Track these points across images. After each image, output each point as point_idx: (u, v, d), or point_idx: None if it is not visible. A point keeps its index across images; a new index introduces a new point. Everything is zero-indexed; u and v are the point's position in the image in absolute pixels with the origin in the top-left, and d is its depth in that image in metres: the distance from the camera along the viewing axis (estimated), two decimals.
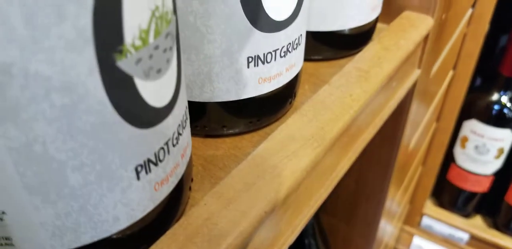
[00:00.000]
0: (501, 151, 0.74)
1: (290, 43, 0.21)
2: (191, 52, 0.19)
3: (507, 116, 0.72)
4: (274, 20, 0.19)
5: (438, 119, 0.72)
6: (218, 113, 0.21)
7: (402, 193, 0.69)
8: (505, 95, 0.71)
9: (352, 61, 0.27)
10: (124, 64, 0.12)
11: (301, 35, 0.22)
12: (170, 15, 0.14)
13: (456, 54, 0.65)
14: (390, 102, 0.31)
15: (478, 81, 0.85)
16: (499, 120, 0.72)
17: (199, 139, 0.21)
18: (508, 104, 0.71)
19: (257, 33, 0.19)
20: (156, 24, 0.13)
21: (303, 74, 0.28)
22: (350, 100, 0.23)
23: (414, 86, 0.37)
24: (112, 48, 0.11)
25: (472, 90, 0.75)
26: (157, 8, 0.12)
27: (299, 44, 0.22)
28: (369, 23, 0.29)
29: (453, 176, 0.80)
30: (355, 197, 0.46)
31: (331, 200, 0.49)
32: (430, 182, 0.79)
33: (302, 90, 0.26)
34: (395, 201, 0.70)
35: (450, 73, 0.67)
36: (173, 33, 0.14)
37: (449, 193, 0.83)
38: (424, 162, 0.77)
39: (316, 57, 0.29)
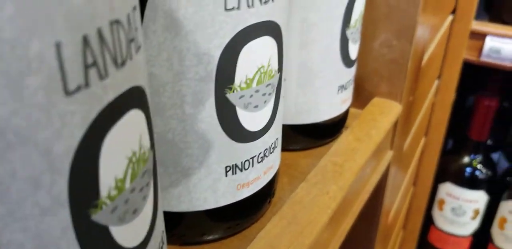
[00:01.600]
0: (476, 212, 0.74)
1: (266, 149, 0.21)
2: (169, 166, 0.19)
3: (479, 178, 0.72)
4: (250, 131, 0.20)
5: (414, 183, 0.72)
6: (196, 221, 0.20)
7: None
8: (476, 158, 0.73)
9: (328, 154, 0.27)
10: (99, 216, 0.11)
11: (277, 138, 0.22)
12: (148, 153, 0.14)
13: (427, 122, 0.67)
14: (365, 188, 0.31)
15: (450, 144, 0.87)
16: (472, 182, 0.72)
17: (176, 247, 0.21)
18: (479, 167, 0.73)
19: (234, 144, 0.19)
20: (133, 169, 0.12)
21: (281, 166, 0.28)
22: (327, 199, 0.23)
23: (388, 166, 0.37)
24: (87, 205, 0.11)
25: (445, 153, 0.76)
26: (134, 154, 0.12)
27: (276, 147, 0.22)
28: (341, 114, 0.30)
29: (433, 238, 0.79)
30: None
31: None
32: (412, 245, 0.77)
33: (280, 184, 0.26)
34: None
35: (423, 140, 0.68)
36: (150, 168, 0.14)
37: None
38: (404, 226, 0.76)
39: (293, 147, 0.30)
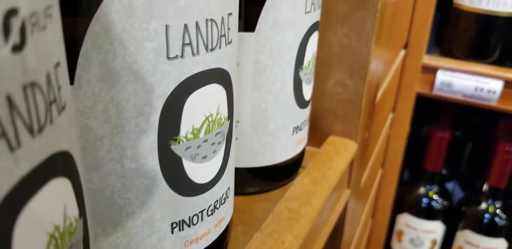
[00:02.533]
0: (434, 242, 0.74)
1: (217, 200, 0.20)
2: (108, 225, 0.17)
3: (435, 208, 0.73)
4: (199, 184, 0.18)
5: (373, 215, 0.72)
6: None
7: None
8: (432, 189, 0.73)
9: (283, 199, 0.26)
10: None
11: (229, 188, 0.21)
12: (75, 223, 0.12)
13: (383, 154, 0.67)
14: (323, 230, 0.30)
15: (407, 175, 0.87)
16: (429, 212, 0.73)
17: None
18: (435, 197, 0.73)
19: (180, 199, 0.18)
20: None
21: (235, 212, 0.27)
22: None
23: (346, 204, 0.36)
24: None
25: (402, 184, 0.77)
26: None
27: (228, 197, 0.21)
28: (297, 155, 0.29)
29: None
30: None
31: None
32: None
33: (234, 233, 0.25)
34: None
35: (380, 172, 0.68)
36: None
37: None
38: None
39: (249, 191, 0.28)
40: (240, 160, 0.27)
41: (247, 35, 0.24)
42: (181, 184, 0.17)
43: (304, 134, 0.29)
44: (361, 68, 0.32)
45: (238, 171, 0.27)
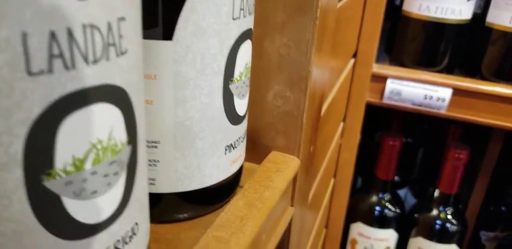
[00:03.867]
0: None
1: (119, 240, 0.16)
2: None
3: (388, 216, 0.71)
4: (88, 224, 0.15)
5: (326, 225, 0.70)
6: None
7: None
8: (384, 197, 0.72)
9: (212, 228, 0.22)
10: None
11: (136, 224, 0.17)
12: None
13: (335, 163, 0.65)
14: None
15: (360, 184, 0.86)
16: (382, 221, 0.71)
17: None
18: (388, 205, 0.72)
19: (63, 243, 0.14)
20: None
21: (160, 244, 0.23)
22: None
23: (290, 223, 0.33)
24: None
25: (355, 193, 0.75)
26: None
27: (135, 234, 0.17)
28: (232, 175, 0.26)
29: None
30: None
31: None
32: None
33: None
34: None
35: (332, 181, 0.66)
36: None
37: None
38: None
39: (178, 218, 0.25)
40: (164, 184, 0.23)
41: (164, 43, 0.20)
42: (63, 226, 0.14)
43: (239, 152, 0.26)
44: (301, 79, 0.29)
45: (165, 197, 0.23)
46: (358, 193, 0.74)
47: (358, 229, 0.72)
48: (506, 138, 0.85)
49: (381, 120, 0.80)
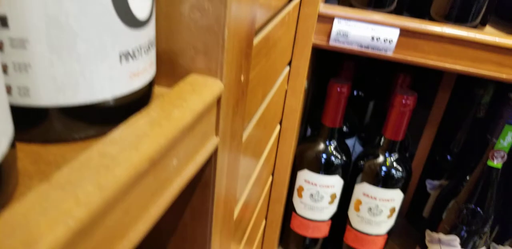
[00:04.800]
0: (334, 196, 0.72)
1: None
2: None
3: (334, 163, 0.70)
4: None
5: (273, 173, 0.68)
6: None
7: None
8: (331, 145, 0.70)
9: (98, 143, 0.19)
10: None
11: None
12: None
13: (281, 109, 0.62)
14: (173, 182, 0.24)
15: (309, 132, 0.84)
16: (328, 168, 0.70)
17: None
18: (335, 152, 0.71)
19: None
20: None
21: (40, 162, 0.20)
22: (72, 205, 0.15)
23: (214, 156, 0.30)
24: None
25: (303, 141, 0.73)
26: None
27: None
28: (133, 93, 0.22)
29: (295, 225, 0.76)
30: None
31: None
32: (275, 234, 0.73)
33: (24, 188, 0.18)
34: None
35: (278, 128, 0.64)
36: None
37: (294, 243, 0.78)
38: (266, 215, 0.72)
39: (66, 137, 0.21)
40: (42, 95, 0.19)
41: None
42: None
43: (142, 65, 0.22)
44: None
45: (45, 111, 0.19)
46: (306, 141, 0.72)
47: (305, 176, 0.70)
48: (455, 87, 0.85)
49: (334, 68, 0.77)
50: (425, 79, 0.88)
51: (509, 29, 0.62)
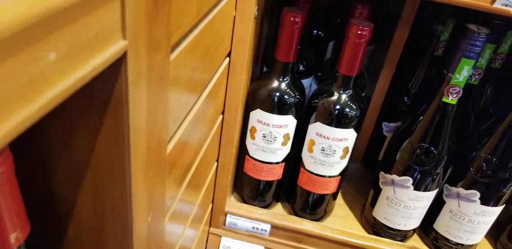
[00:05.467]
0: (286, 136, 0.68)
1: None
2: None
3: (287, 102, 0.66)
4: None
5: (223, 111, 0.63)
6: None
7: (195, 194, 0.59)
8: (284, 81, 0.66)
9: None
10: None
11: None
12: None
13: (229, 39, 0.57)
14: (54, 85, 0.19)
15: (265, 69, 0.79)
16: (281, 107, 0.66)
17: None
18: (288, 91, 0.66)
19: None
20: None
21: None
22: None
23: (123, 65, 0.25)
24: None
25: (256, 79, 0.68)
26: None
27: None
28: None
29: (249, 168, 0.72)
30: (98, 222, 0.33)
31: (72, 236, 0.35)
32: (227, 177, 0.70)
33: None
34: (196, 204, 0.60)
35: (227, 61, 0.59)
36: None
37: (248, 187, 0.76)
38: (218, 157, 0.68)
39: None
40: None
41: None
42: None
43: None
44: None
45: None
46: (259, 79, 0.68)
47: (257, 116, 0.66)
48: (414, 25, 0.81)
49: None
50: (384, 17, 0.83)
51: None
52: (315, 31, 0.88)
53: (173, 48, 0.35)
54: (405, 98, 0.88)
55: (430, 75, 0.84)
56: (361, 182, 0.92)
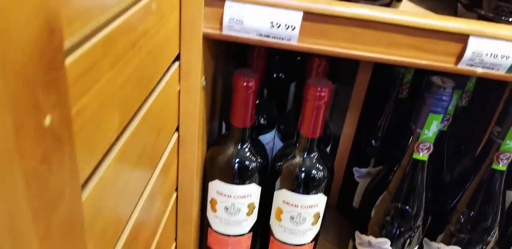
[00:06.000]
0: (252, 206, 0.63)
1: None
2: None
3: (248, 169, 0.61)
4: None
5: (177, 187, 0.57)
6: None
7: None
8: (243, 148, 0.60)
9: None
10: None
11: None
12: None
13: (176, 114, 0.51)
14: None
15: (224, 128, 0.74)
16: (242, 175, 0.60)
17: None
18: (248, 156, 0.61)
19: None
20: None
21: None
22: None
23: None
24: None
25: (214, 143, 0.63)
26: None
27: None
28: None
29: (212, 242, 0.66)
30: None
31: None
32: None
33: None
34: None
35: (176, 136, 0.53)
36: None
37: None
38: (176, 236, 0.61)
39: None
40: None
41: None
42: None
43: None
44: None
45: None
46: (215, 144, 0.62)
47: (217, 187, 0.60)
48: (375, 67, 0.78)
49: (240, 55, 0.66)
50: (343, 61, 0.79)
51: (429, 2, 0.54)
52: (274, 74, 0.83)
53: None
54: (373, 141, 0.84)
55: (396, 118, 0.81)
56: (337, 231, 0.87)
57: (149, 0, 0.35)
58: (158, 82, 0.43)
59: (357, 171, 0.87)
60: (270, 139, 0.75)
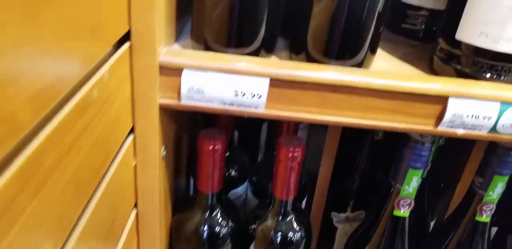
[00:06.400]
0: None
1: None
2: None
3: (219, 235, 0.56)
4: None
5: None
6: None
7: None
8: (212, 212, 0.55)
9: None
10: None
11: None
12: None
13: (133, 188, 0.46)
14: None
15: (192, 184, 0.69)
16: (212, 243, 0.55)
17: None
18: (219, 221, 0.56)
19: None
20: None
21: None
22: None
23: None
24: None
25: (180, 210, 0.57)
26: None
27: None
28: None
29: None
30: None
31: None
32: None
33: None
34: None
35: (134, 212, 0.47)
36: None
37: None
38: None
39: None
40: None
41: None
42: None
43: None
44: None
45: None
46: (181, 211, 0.57)
47: None
48: None
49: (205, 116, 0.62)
50: None
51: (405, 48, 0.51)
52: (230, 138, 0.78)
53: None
54: (351, 186, 0.80)
55: (372, 162, 0.77)
56: None
57: (88, 89, 0.30)
58: (110, 165, 0.38)
59: (336, 216, 0.83)
60: (242, 192, 0.70)
